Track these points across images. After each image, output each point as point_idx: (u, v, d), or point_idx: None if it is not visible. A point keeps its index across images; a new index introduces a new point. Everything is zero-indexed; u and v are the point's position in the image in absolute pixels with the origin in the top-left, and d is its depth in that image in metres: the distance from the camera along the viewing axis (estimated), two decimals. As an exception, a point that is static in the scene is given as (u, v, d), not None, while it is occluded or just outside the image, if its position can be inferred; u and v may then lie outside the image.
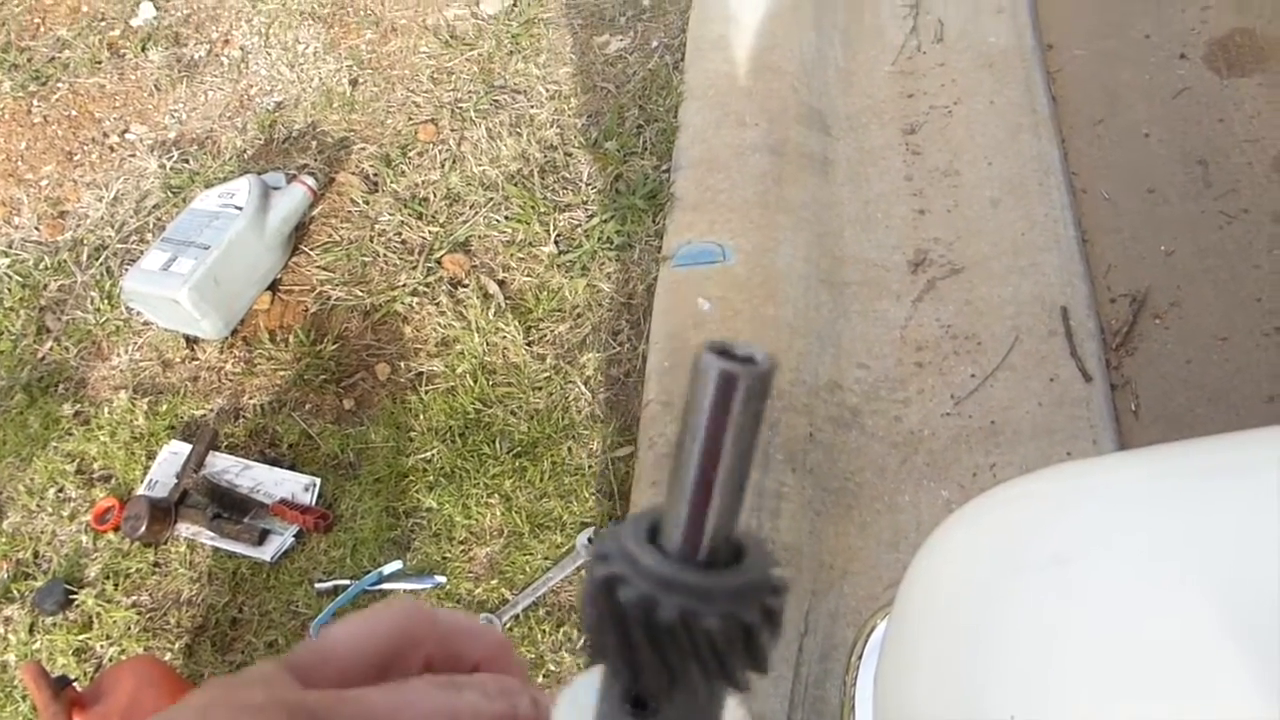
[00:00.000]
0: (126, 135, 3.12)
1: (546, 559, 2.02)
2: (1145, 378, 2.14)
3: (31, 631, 2.17)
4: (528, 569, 2.01)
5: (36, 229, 2.93)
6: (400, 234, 2.60)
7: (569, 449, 2.15)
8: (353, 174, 2.76)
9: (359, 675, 0.31)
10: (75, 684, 1.53)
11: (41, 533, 2.32)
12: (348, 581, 2.07)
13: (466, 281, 2.46)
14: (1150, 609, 0.85)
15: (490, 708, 0.29)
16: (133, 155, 3.03)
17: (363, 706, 0.28)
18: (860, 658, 1.26)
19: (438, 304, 2.44)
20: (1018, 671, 0.87)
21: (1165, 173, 2.42)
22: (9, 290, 2.78)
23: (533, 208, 2.54)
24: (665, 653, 0.21)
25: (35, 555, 2.29)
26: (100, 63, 3.31)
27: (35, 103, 3.28)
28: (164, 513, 2.20)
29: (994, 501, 1.06)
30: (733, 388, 0.24)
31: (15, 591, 2.24)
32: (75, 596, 2.19)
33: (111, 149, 3.09)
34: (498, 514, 2.09)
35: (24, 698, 2.09)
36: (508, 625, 1.94)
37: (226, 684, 0.28)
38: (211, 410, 2.42)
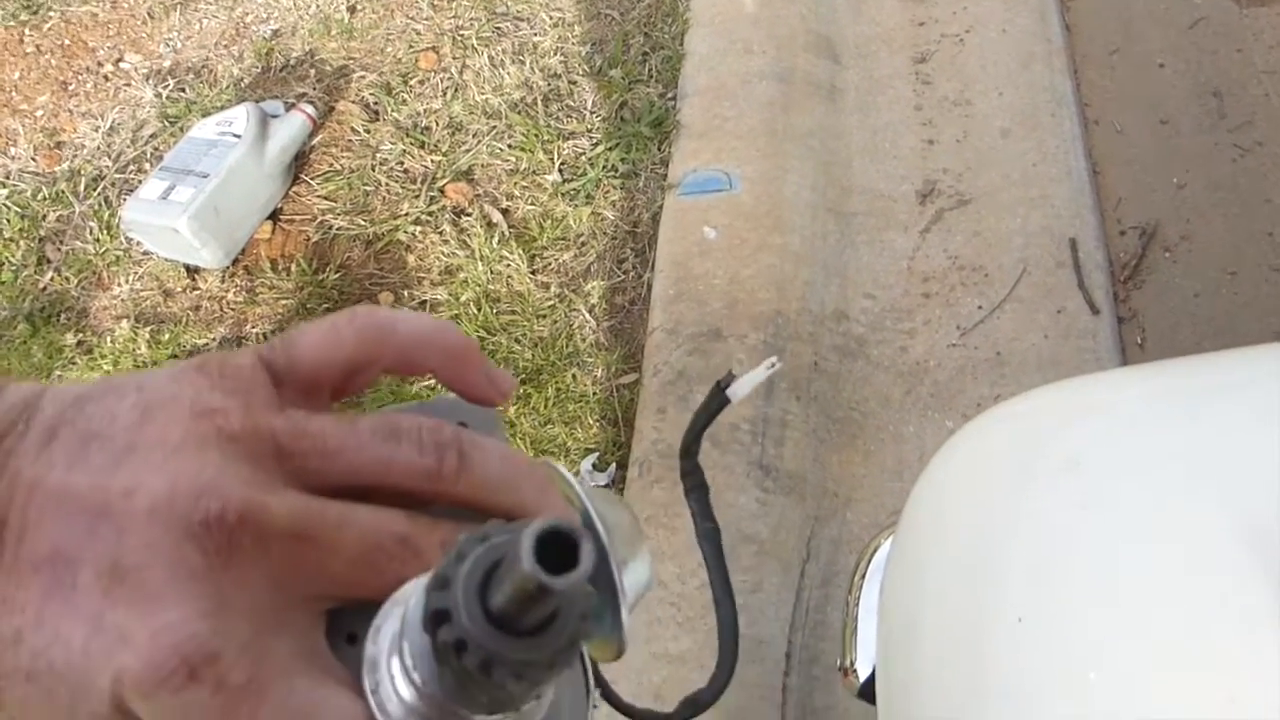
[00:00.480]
0: (121, 64, 3.07)
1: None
2: (1153, 311, 2.12)
3: (38, 556, 2.18)
4: (532, 496, 2.02)
5: (33, 160, 2.90)
6: (402, 163, 2.57)
7: (573, 376, 2.14)
8: (353, 102, 2.72)
9: (324, 381, 0.33)
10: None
11: (45, 460, 2.32)
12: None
13: (470, 210, 2.44)
14: (1160, 514, 0.85)
15: (420, 462, 0.30)
16: (128, 85, 2.98)
17: (317, 442, 0.30)
18: (864, 577, 1.26)
19: (441, 233, 2.42)
20: (1026, 575, 0.86)
21: (1179, 104, 2.38)
22: (8, 221, 2.75)
23: (536, 136, 2.51)
24: (465, 679, 0.24)
25: (40, 482, 2.30)
26: (94, -11, 3.25)
27: (27, 32, 3.22)
28: (167, 440, 2.20)
29: (1002, 414, 1.06)
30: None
31: (20, 518, 2.25)
32: (80, 522, 2.19)
33: (106, 78, 3.05)
34: (501, 442, 2.09)
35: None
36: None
37: (211, 379, 0.30)
38: (214, 339, 2.41)
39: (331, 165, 2.62)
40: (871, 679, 1.11)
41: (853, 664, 1.15)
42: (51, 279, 2.62)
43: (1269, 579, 0.76)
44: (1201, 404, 0.95)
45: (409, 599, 0.26)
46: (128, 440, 0.28)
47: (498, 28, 2.80)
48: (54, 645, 0.25)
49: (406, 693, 0.26)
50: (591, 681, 0.33)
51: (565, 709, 0.30)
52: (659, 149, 2.43)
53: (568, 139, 2.51)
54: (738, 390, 0.50)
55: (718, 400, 0.57)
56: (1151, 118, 2.38)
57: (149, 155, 2.77)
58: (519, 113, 2.57)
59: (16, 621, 0.25)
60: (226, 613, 0.26)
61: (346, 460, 0.30)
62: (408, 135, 2.61)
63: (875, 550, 1.28)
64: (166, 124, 2.82)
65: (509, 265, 2.31)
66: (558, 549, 0.22)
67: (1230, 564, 0.79)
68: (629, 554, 0.34)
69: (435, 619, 0.24)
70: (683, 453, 0.63)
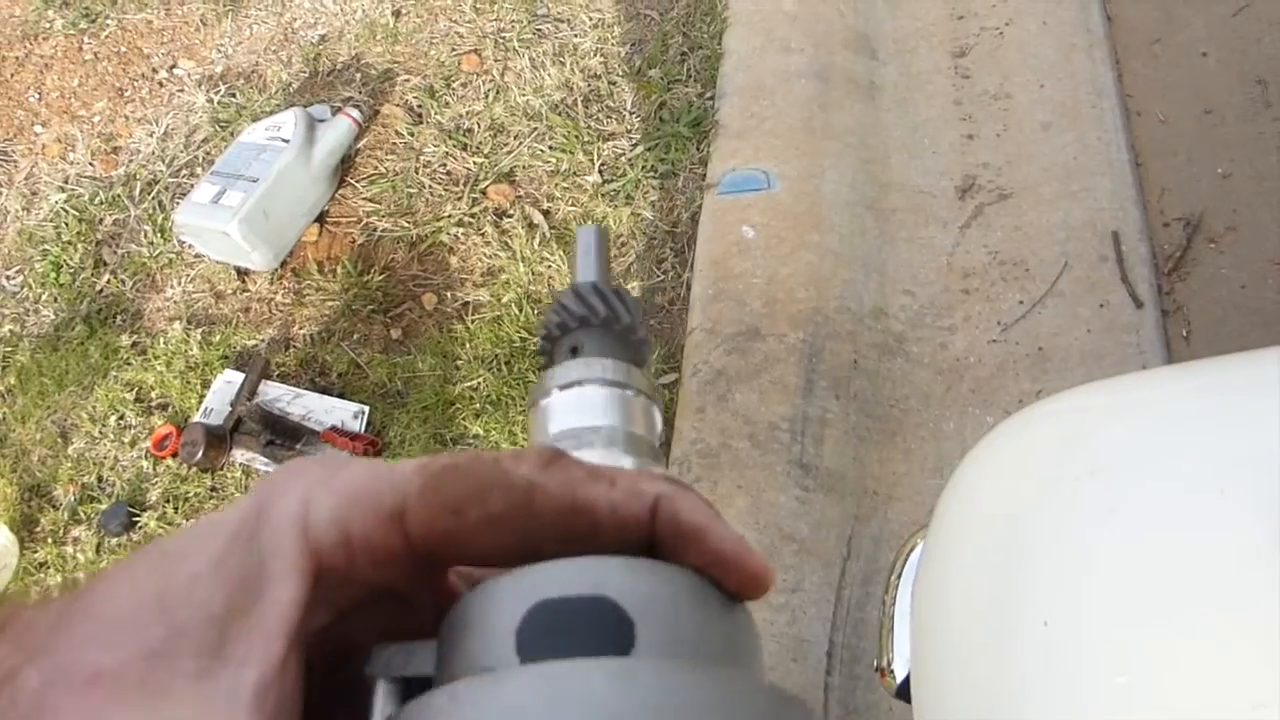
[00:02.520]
0: (175, 70, 3.15)
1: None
2: (1198, 303, 2.10)
3: (98, 551, 2.26)
4: (573, 493, 2.05)
5: (91, 164, 2.98)
6: (445, 165, 2.61)
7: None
8: (397, 105, 2.77)
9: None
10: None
11: (105, 458, 2.39)
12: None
13: (511, 211, 2.47)
14: (1187, 520, 0.85)
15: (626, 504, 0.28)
16: (181, 90, 3.06)
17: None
18: (899, 576, 1.27)
19: (483, 234, 2.45)
20: (1053, 580, 0.87)
21: (1223, 93, 2.35)
22: (66, 225, 2.84)
23: (576, 137, 2.54)
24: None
25: (99, 480, 2.38)
26: (147, -2, 3.33)
27: (86, 40, 3.32)
28: (219, 439, 2.26)
29: (1035, 416, 1.06)
30: None
31: (82, 514, 2.33)
32: (138, 519, 2.27)
33: (160, 84, 3.12)
34: (543, 440, 2.12)
35: (93, 614, 2.18)
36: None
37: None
38: (263, 340, 2.47)
39: (376, 168, 2.67)
40: (908, 679, 1.11)
41: (889, 664, 1.16)
42: (108, 281, 2.70)
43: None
44: (1236, 405, 0.95)
45: None
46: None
47: (538, 30, 2.83)
48: None
49: None
50: None
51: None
52: (697, 149, 2.45)
53: (607, 140, 2.53)
54: None
55: None
56: (1195, 107, 2.34)
57: (201, 159, 2.84)
58: (559, 114, 2.60)
59: None
60: None
61: None
62: (450, 137, 2.65)
63: (911, 550, 1.29)
64: (218, 128, 2.89)
65: (550, 266, 2.34)
66: None
67: (1261, 569, 0.79)
68: None
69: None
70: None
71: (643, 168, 2.45)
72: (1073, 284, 2.12)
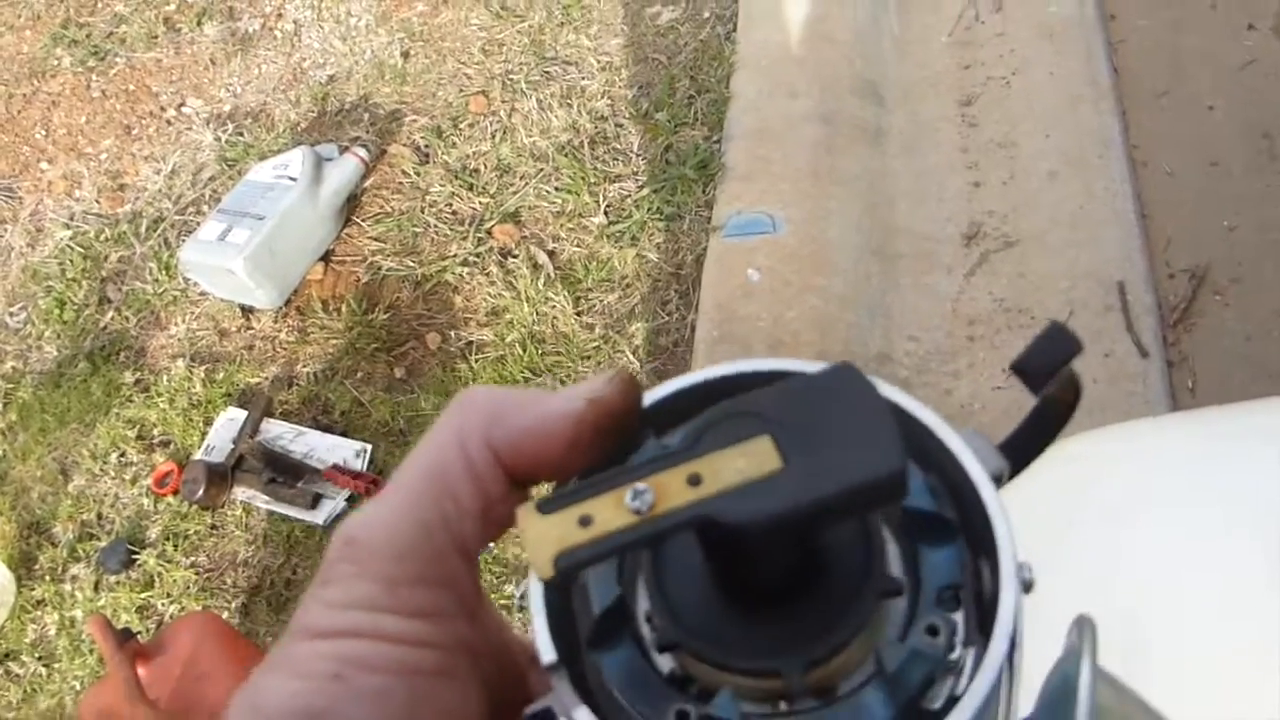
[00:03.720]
0: (183, 109, 3.17)
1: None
2: (1203, 354, 2.09)
3: (97, 589, 2.24)
4: (576, 537, 2.03)
5: (97, 202, 3.00)
6: (451, 205, 2.62)
7: (617, 419, 2.15)
8: (404, 145, 2.78)
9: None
10: (138, 637, 1.57)
11: (105, 495, 2.38)
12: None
13: (516, 252, 2.48)
14: (1195, 561, 0.85)
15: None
16: (189, 129, 3.08)
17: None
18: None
19: (488, 274, 2.46)
20: (1064, 625, 0.86)
21: (1229, 146, 2.36)
22: (71, 262, 2.85)
23: (583, 178, 2.55)
24: None
25: (99, 517, 2.36)
26: (156, 37, 3.36)
27: (94, 78, 3.34)
28: (221, 477, 2.25)
29: (1041, 462, 1.05)
30: None
31: (81, 551, 2.31)
32: (137, 556, 2.25)
33: (168, 122, 3.15)
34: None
35: (91, 650, 2.16)
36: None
37: None
38: (266, 378, 2.47)
39: (382, 207, 2.67)
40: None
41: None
42: (112, 318, 2.70)
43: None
44: (1242, 451, 0.95)
45: None
46: None
47: (546, 72, 2.85)
48: None
49: None
50: None
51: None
52: (703, 191, 2.46)
53: (613, 181, 2.54)
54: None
55: None
56: (1201, 159, 2.36)
57: (208, 197, 2.86)
58: (566, 155, 2.62)
59: None
60: None
61: None
62: (457, 177, 2.66)
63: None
64: (225, 167, 2.90)
65: (554, 306, 2.34)
66: None
67: (1266, 607, 0.78)
68: None
69: None
70: None
71: (648, 210, 2.46)
72: (1078, 333, 2.11)
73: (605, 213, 2.49)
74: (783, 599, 0.27)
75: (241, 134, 2.98)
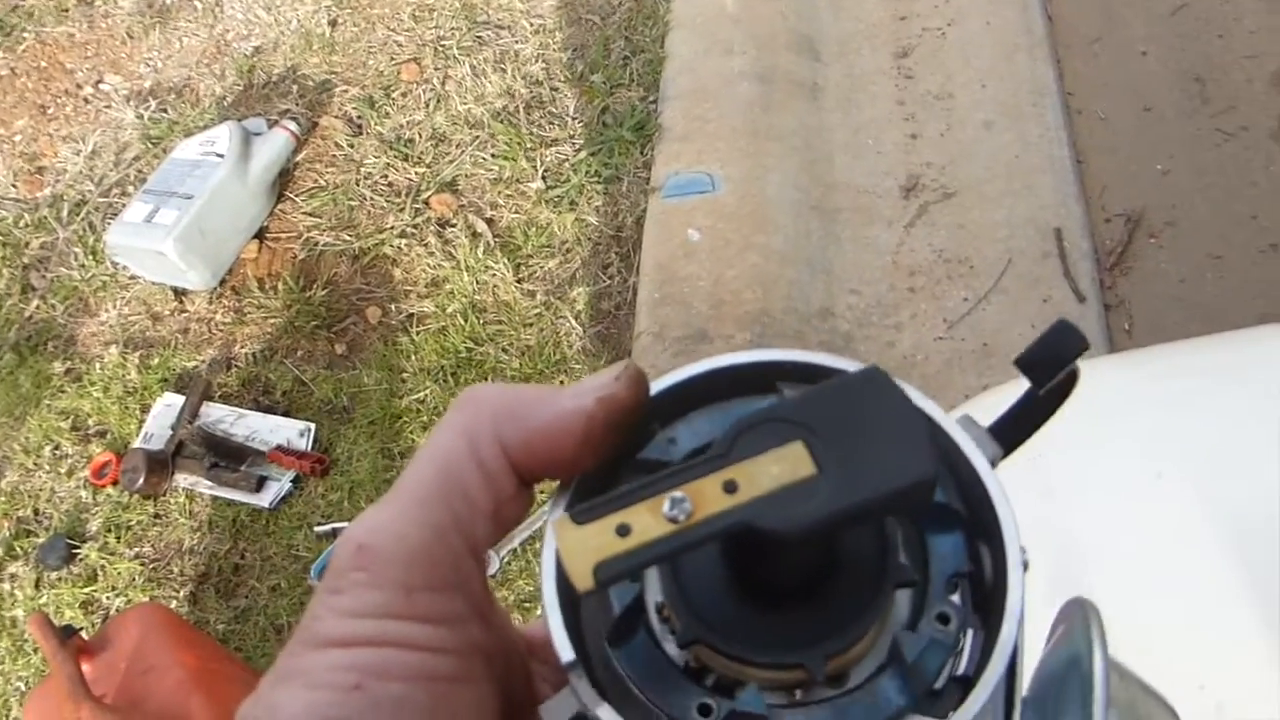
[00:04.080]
0: (100, 86, 3.06)
1: (542, 492, 2.02)
2: (1139, 297, 2.12)
3: (37, 587, 2.18)
4: (526, 507, 2.02)
5: (14, 186, 2.89)
6: (386, 176, 2.57)
7: (561, 384, 2.13)
8: (336, 117, 2.72)
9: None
10: (82, 633, 1.53)
11: (40, 490, 2.32)
12: (346, 524, 2.07)
13: (454, 221, 2.44)
14: (1125, 503, 0.85)
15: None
16: (108, 106, 2.98)
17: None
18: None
19: (426, 245, 2.41)
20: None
21: (1162, 90, 2.38)
22: (-9, 248, 2.75)
23: (519, 144, 2.51)
24: None
25: (35, 512, 2.30)
26: (67, 10, 3.24)
27: (1, 54, 3.21)
28: (161, 464, 2.20)
29: (978, 408, 1.06)
30: None
31: (18, 549, 2.25)
32: (78, 551, 2.19)
33: (86, 100, 3.04)
34: (494, 454, 2.09)
35: (35, 650, 2.11)
36: (505, 560, 1.95)
37: None
38: (203, 361, 2.41)
39: (316, 181, 2.61)
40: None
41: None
42: (37, 307, 2.62)
43: (1246, 572, 0.77)
44: (1181, 392, 0.95)
45: None
46: None
47: (479, 37, 2.79)
48: None
49: None
50: None
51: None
52: (641, 153, 2.43)
53: (550, 146, 2.50)
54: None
55: None
56: (1135, 105, 2.37)
57: (132, 177, 2.77)
58: (501, 121, 2.57)
59: None
60: None
61: None
62: (391, 148, 2.60)
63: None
64: (149, 145, 2.81)
65: (494, 275, 2.31)
66: None
67: (1196, 549, 0.79)
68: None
69: None
70: None
71: (586, 173, 2.43)
72: (1016, 280, 2.14)
73: (543, 178, 2.45)
74: (800, 592, 0.28)
75: (165, 110, 2.89)
